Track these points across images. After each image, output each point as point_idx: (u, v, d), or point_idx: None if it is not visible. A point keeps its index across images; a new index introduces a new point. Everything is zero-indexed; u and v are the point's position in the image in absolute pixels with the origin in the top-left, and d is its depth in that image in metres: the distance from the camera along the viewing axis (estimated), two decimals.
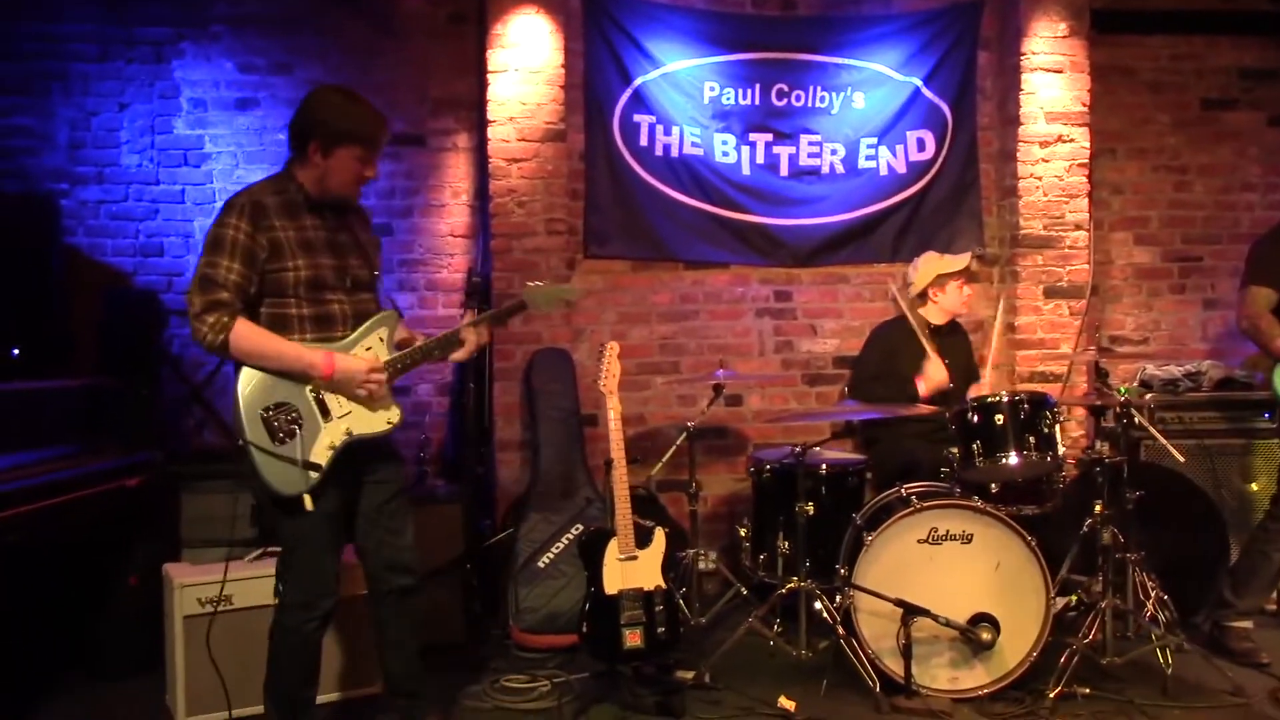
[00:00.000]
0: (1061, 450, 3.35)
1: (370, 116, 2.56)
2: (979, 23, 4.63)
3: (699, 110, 4.47)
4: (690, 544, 3.81)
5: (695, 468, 3.83)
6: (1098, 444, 3.53)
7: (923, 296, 4.06)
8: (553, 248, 4.29)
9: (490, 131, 4.25)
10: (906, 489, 3.37)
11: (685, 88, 4.46)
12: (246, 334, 2.47)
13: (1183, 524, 3.75)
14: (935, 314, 4.05)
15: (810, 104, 4.53)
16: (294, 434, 2.48)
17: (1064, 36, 4.50)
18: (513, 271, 4.26)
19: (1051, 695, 3.06)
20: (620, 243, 4.45)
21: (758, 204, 4.52)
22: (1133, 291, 4.82)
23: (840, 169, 4.56)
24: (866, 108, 4.56)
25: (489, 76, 4.24)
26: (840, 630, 3.19)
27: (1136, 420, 3.48)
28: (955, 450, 3.35)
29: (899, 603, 3.06)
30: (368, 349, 2.59)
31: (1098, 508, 3.29)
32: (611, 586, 3.07)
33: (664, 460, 3.85)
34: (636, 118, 4.42)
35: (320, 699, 3.04)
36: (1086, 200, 4.56)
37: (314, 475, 2.48)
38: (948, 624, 3.07)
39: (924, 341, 3.84)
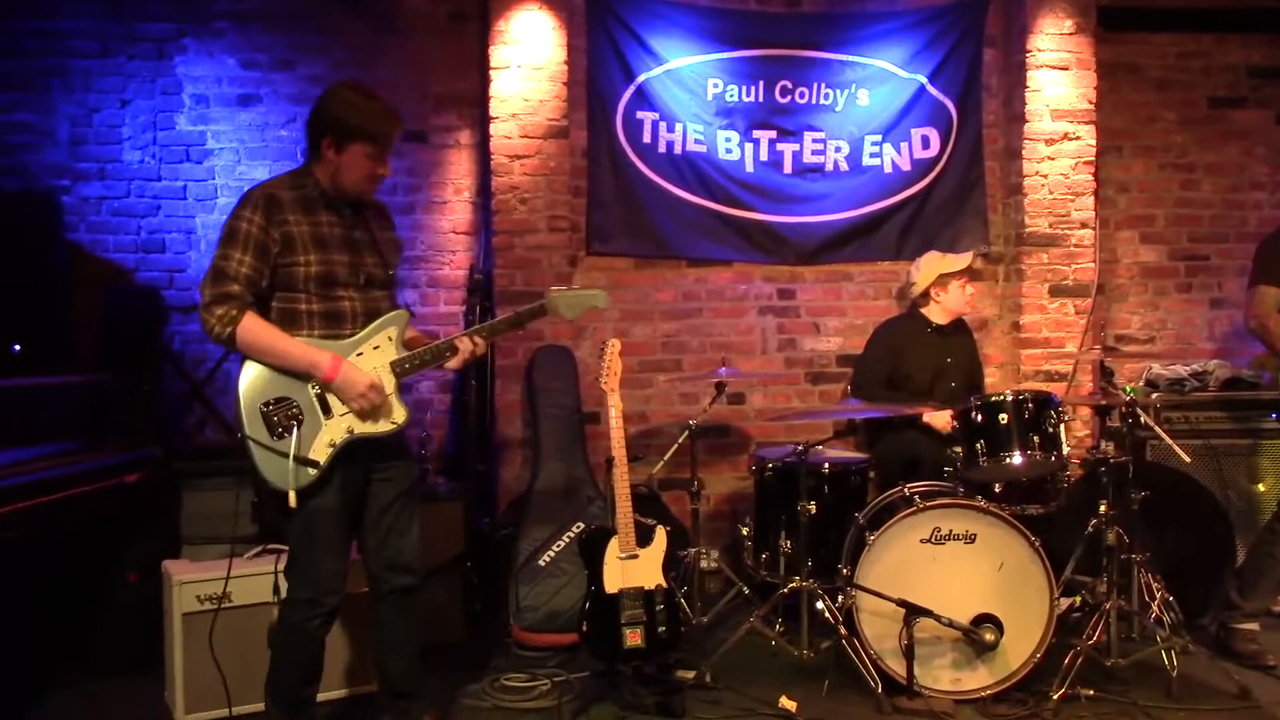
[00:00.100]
0: (1066, 450, 3.32)
1: (382, 113, 2.56)
2: (984, 19, 4.61)
3: (702, 107, 4.45)
4: (692, 543, 3.79)
5: (697, 466, 3.81)
6: (1103, 444, 3.50)
7: (925, 296, 4.04)
8: (555, 245, 4.28)
9: (492, 128, 4.23)
10: (909, 488, 3.35)
11: (689, 84, 4.44)
12: (254, 328, 2.47)
13: (1188, 525, 3.72)
14: (938, 313, 4.03)
15: (814, 101, 4.51)
16: (293, 430, 2.47)
17: (1070, 33, 4.47)
18: (514, 268, 4.25)
19: (1055, 697, 3.03)
20: (623, 240, 4.44)
21: (761, 201, 4.50)
22: (1139, 290, 4.79)
23: (844, 166, 4.54)
24: (871, 105, 4.54)
25: (491, 73, 4.22)
26: (842, 630, 3.17)
27: (1142, 420, 3.45)
28: (959, 449, 3.33)
29: (901, 603, 3.04)
30: (375, 347, 2.58)
31: (1102, 508, 3.26)
32: (612, 585, 3.05)
33: (666, 458, 3.83)
34: (639, 114, 4.40)
35: (326, 695, 3.06)
36: (1092, 198, 4.53)
37: (311, 472, 2.47)
38: (950, 624, 3.05)
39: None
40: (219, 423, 4.25)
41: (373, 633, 2.80)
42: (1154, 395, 4.11)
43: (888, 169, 4.57)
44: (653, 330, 4.51)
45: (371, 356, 2.57)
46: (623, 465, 3.13)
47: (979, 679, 3.13)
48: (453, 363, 2.66)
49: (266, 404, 2.47)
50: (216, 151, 4.33)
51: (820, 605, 3.29)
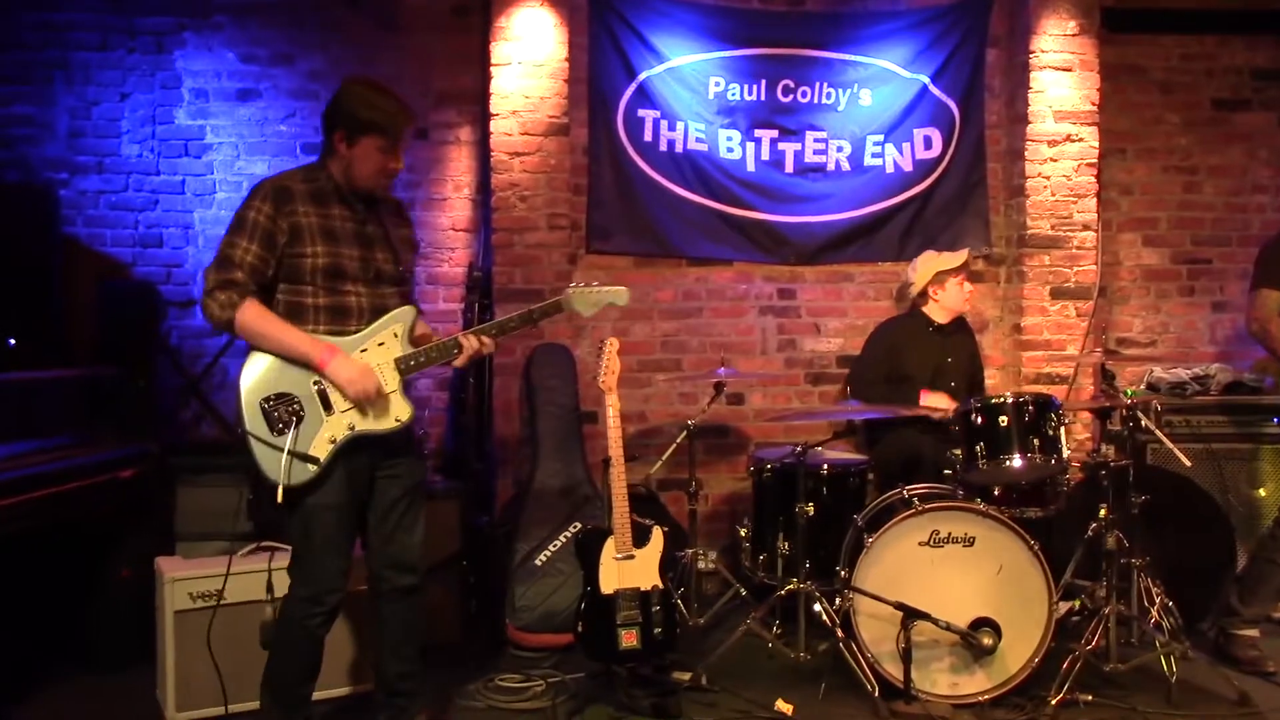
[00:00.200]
0: (1066, 453, 3.30)
1: (394, 107, 2.56)
2: (988, 20, 4.58)
3: (704, 105, 4.43)
4: (690, 543, 3.78)
5: (696, 466, 3.80)
6: (1103, 447, 3.48)
7: (924, 295, 4.02)
8: (554, 243, 4.26)
9: (493, 125, 4.21)
10: (909, 490, 3.33)
11: (690, 83, 4.42)
12: (254, 314, 2.47)
13: (1189, 529, 3.69)
14: (938, 312, 4.02)
15: (816, 100, 4.49)
16: (293, 426, 2.46)
17: (1074, 34, 4.45)
18: (514, 266, 4.23)
19: (1053, 702, 3.01)
20: (623, 238, 4.42)
21: (762, 201, 4.48)
22: (1141, 293, 4.77)
23: (846, 166, 4.52)
24: (873, 105, 4.52)
25: (492, 70, 4.20)
26: (839, 633, 3.15)
27: (1143, 423, 3.43)
28: (958, 451, 3.31)
29: (899, 606, 3.02)
30: (380, 344, 2.56)
31: (1102, 512, 3.24)
32: (608, 586, 3.03)
33: (664, 458, 3.82)
34: (641, 112, 4.39)
35: (329, 693, 3.06)
36: (1095, 200, 4.51)
37: (311, 468, 2.46)
38: (948, 628, 3.03)
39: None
40: (215, 418, 4.24)
41: (373, 631, 2.78)
42: (1155, 399, 4.09)
43: (889, 169, 4.55)
44: (652, 329, 4.49)
45: (376, 353, 2.56)
46: (619, 465, 3.11)
47: (977, 683, 3.11)
48: (459, 360, 2.64)
49: (267, 399, 2.47)
50: (215, 146, 4.31)
51: (818, 607, 3.27)
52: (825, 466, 3.62)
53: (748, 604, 3.66)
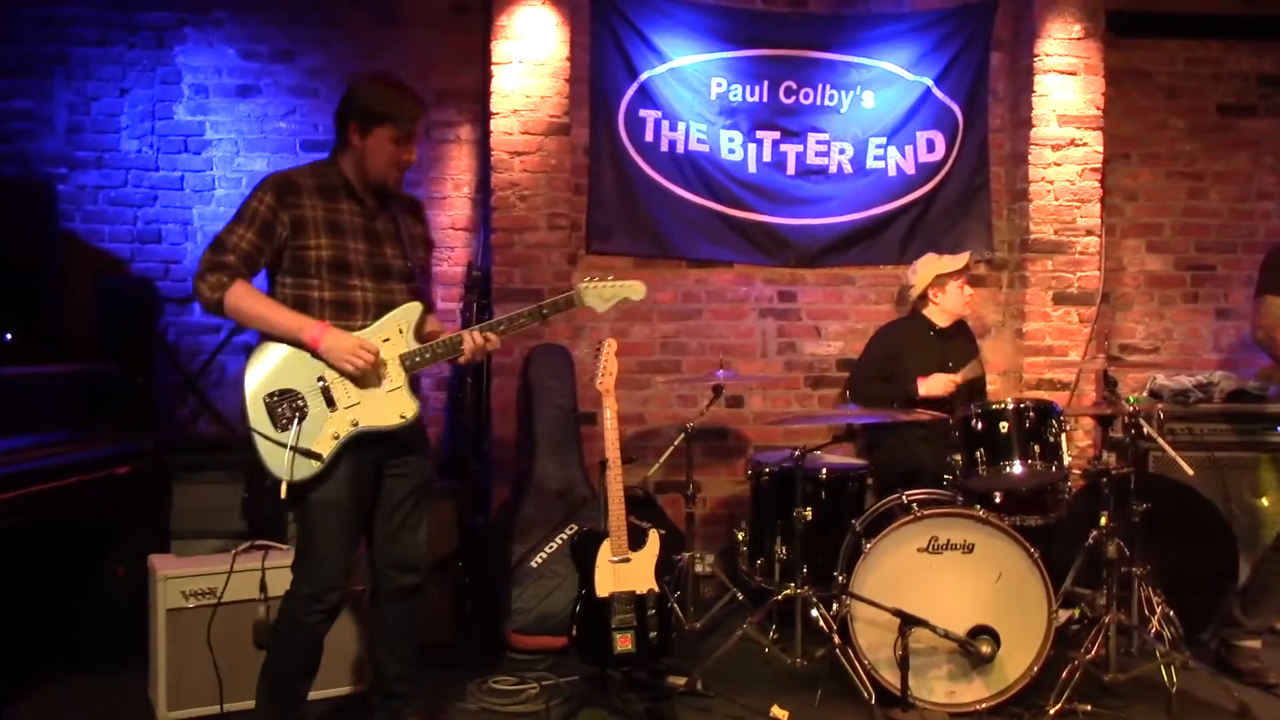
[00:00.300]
0: (1067, 460, 3.28)
1: (406, 98, 2.59)
2: (992, 23, 4.56)
3: (706, 106, 4.41)
4: (687, 546, 3.76)
5: (694, 469, 3.78)
6: (1105, 454, 3.47)
7: (924, 298, 4.00)
8: (554, 243, 4.24)
9: (493, 124, 4.19)
10: (908, 496, 3.30)
11: (692, 83, 4.39)
12: (243, 294, 2.48)
13: (1190, 538, 3.67)
14: (938, 315, 3.99)
15: (819, 102, 4.47)
16: (296, 421, 2.45)
17: (1079, 38, 4.42)
18: (513, 266, 4.21)
19: (1052, 711, 2.99)
20: (623, 239, 4.39)
21: (763, 202, 4.45)
22: (1144, 299, 4.74)
23: (848, 169, 4.50)
24: (876, 107, 4.49)
25: (493, 68, 4.18)
26: (836, 639, 3.13)
27: (1145, 431, 3.40)
28: (958, 457, 3.29)
29: (897, 612, 2.99)
30: (385, 340, 2.55)
31: (1103, 519, 3.22)
32: (603, 589, 3.01)
33: (662, 461, 3.79)
34: (642, 113, 4.36)
35: (328, 693, 3.04)
36: (1098, 205, 4.48)
37: (314, 464, 2.45)
38: (946, 635, 3.00)
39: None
40: (213, 415, 4.22)
41: (371, 631, 2.77)
42: (1158, 406, 4.06)
43: (892, 172, 4.52)
44: (651, 331, 4.47)
45: (381, 349, 2.55)
46: (616, 467, 3.08)
47: (974, 692, 3.08)
48: (464, 356, 2.62)
49: (271, 395, 2.46)
50: (215, 142, 4.29)
51: (815, 613, 3.25)
52: (824, 471, 3.60)
53: (745, 608, 3.65)
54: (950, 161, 4.55)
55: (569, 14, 4.21)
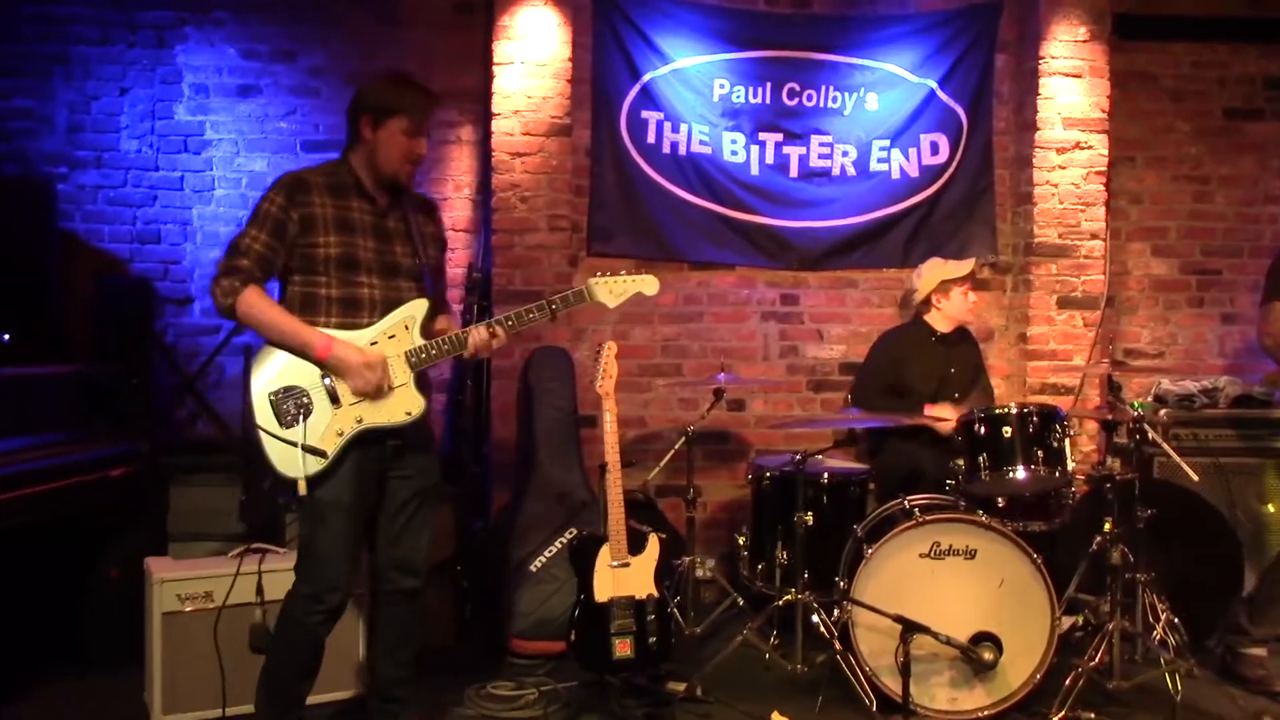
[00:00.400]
0: (1071, 465, 3.25)
1: (418, 91, 2.61)
2: (997, 25, 4.53)
3: (708, 108, 4.39)
4: (687, 551, 3.73)
5: (694, 473, 3.75)
6: (1109, 460, 3.44)
7: (927, 303, 3.97)
8: (555, 244, 4.22)
9: (494, 125, 4.17)
10: (910, 501, 3.28)
11: (695, 85, 4.37)
12: (255, 302, 2.48)
13: (1195, 544, 3.64)
14: (940, 321, 3.96)
15: (822, 104, 4.44)
16: (301, 419, 2.45)
17: (1084, 41, 4.39)
18: (513, 268, 4.19)
19: (1055, 719, 2.96)
20: (624, 241, 4.37)
21: (766, 205, 4.43)
22: (1149, 304, 4.71)
23: (851, 171, 4.47)
24: (880, 109, 4.47)
25: (494, 69, 4.16)
26: (837, 645, 3.10)
27: (1150, 436, 3.38)
28: (961, 462, 3.26)
29: (898, 619, 2.95)
30: (390, 336, 2.54)
31: (1107, 525, 3.19)
32: (602, 594, 2.99)
33: (662, 464, 3.77)
34: (644, 114, 4.34)
35: (332, 696, 3.03)
36: (1103, 209, 4.45)
37: (319, 461, 2.44)
38: (948, 642, 2.97)
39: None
40: (211, 417, 4.20)
41: (370, 633, 2.76)
42: (1162, 411, 4.03)
43: (895, 175, 4.50)
44: (652, 333, 4.45)
45: (386, 346, 2.54)
46: (616, 471, 3.07)
47: (976, 699, 3.06)
48: (469, 351, 2.60)
49: (275, 393, 2.46)
50: (215, 142, 4.27)
51: (816, 619, 3.22)
52: (825, 475, 3.57)
53: (745, 613, 3.62)
54: (954, 164, 4.52)
55: (571, 14, 4.20)
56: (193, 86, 4.26)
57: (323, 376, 2.49)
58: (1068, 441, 3.24)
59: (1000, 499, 3.30)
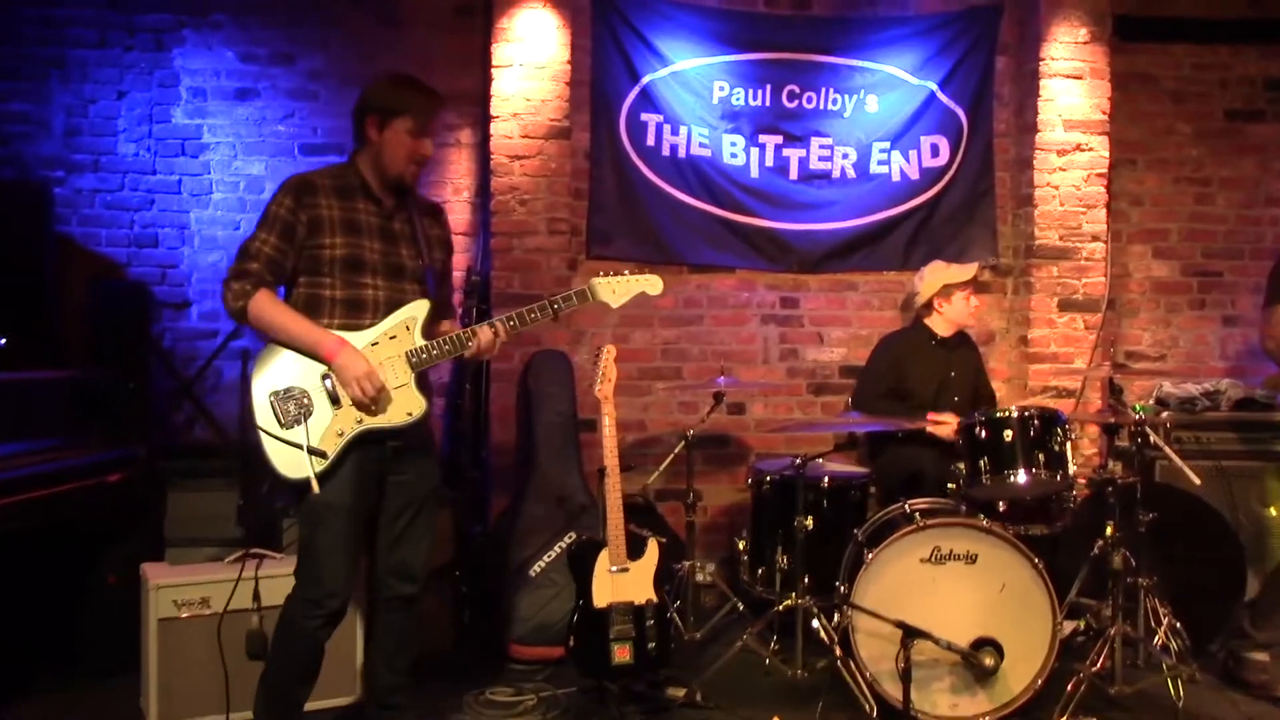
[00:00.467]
0: (1073, 469, 3.23)
1: (422, 91, 2.61)
2: (998, 27, 4.53)
3: (708, 110, 4.38)
4: (687, 555, 3.72)
5: (694, 477, 3.74)
6: (1110, 463, 3.42)
7: (928, 307, 3.95)
8: (554, 247, 4.20)
9: (493, 127, 4.16)
10: (910, 505, 3.26)
11: (694, 87, 4.36)
12: (266, 304, 2.49)
13: (1197, 548, 3.62)
14: (941, 325, 3.94)
15: (822, 106, 4.43)
16: (301, 419, 2.44)
17: (1084, 43, 4.38)
18: (512, 271, 4.18)
19: None
20: (624, 244, 4.36)
21: (766, 207, 4.42)
22: (1150, 306, 4.70)
23: (851, 173, 4.46)
24: (880, 111, 4.45)
25: (493, 71, 4.15)
26: (838, 650, 3.09)
27: (1151, 439, 3.37)
28: (962, 466, 3.24)
29: (899, 624, 2.93)
30: (391, 337, 2.54)
31: (1109, 529, 3.18)
32: (601, 599, 2.97)
33: (662, 468, 3.76)
34: (644, 116, 4.33)
35: (331, 702, 3.01)
36: (1104, 211, 4.44)
37: (319, 462, 2.43)
38: (949, 647, 2.95)
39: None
40: (208, 421, 4.19)
41: (368, 638, 2.75)
42: (1164, 414, 4.01)
43: (896, 177, 4.49)
44: (652, 337, 4.44)
45: (387, 346, 2.53)
46: (614, 475, 3.05)
47: (978, 705, 3.04)
48: (470, 350, 2.59)
49: (275, 394, 2.46)
50: (212, 146, 4.26)
51: (816, 624, 3.21)
52: (826, 479, 3.56)
53: (745, 618, 3.60)
54: (955, 166, 4.51)
55: (570, 17, 4.19)
56: (190, 90, 4.25)
57: (324, 377, 2.48)
58: (1069, 445, 3.22)
59: (1001, 503, 3.29)
